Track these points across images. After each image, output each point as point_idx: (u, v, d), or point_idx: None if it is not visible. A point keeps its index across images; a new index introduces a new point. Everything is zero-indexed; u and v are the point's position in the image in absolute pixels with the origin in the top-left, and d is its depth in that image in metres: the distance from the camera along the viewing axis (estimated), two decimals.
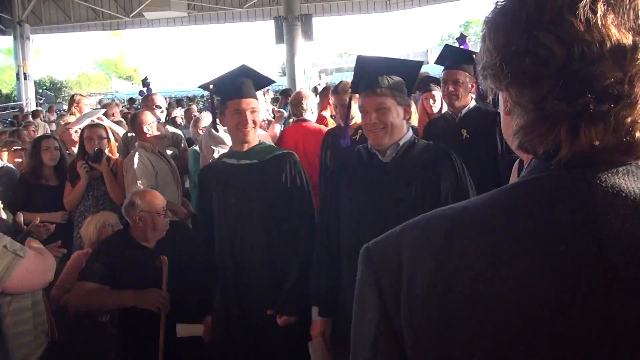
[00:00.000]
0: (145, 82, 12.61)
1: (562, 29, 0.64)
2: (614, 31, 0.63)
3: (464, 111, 3.61)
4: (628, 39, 0.63)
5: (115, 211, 3.72)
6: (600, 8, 0.63)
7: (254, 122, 2.79)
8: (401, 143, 2.33)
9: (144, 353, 2.87)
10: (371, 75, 2.32)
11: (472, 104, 3.67)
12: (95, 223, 3.46)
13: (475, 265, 0.66)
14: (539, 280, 0.63)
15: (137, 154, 3.96)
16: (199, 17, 25.05)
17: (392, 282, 0.71)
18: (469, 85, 3.59)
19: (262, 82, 2.95)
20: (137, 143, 4.16)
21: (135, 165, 3.85)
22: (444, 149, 2.36)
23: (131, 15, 24.23)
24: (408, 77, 2.38)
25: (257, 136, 3.00)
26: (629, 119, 0.63)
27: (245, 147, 2.84)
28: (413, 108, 4.32)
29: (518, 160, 2.62)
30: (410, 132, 2.40)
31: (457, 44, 15.07)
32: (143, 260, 2.94)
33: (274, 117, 6.31)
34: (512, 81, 0.69)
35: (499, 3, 0.71)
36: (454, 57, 3.66)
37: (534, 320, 0.62)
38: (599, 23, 0.63)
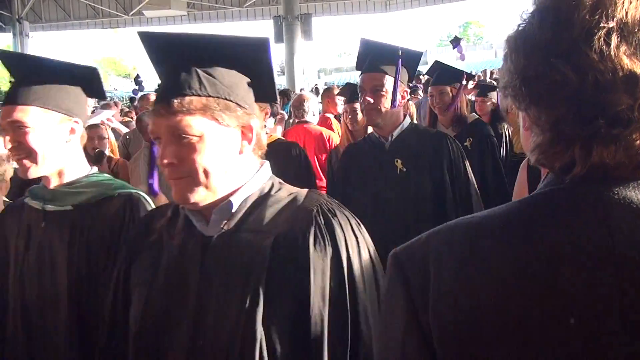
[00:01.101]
0: (137, 80, 12.56)
1: (578, 59, 0.68)
2: (626, 61, 0.67)
3: (395, 133, 2.57)
4: (639, 68, 0.67)
5: None
6: (614, 40, 0.67)
7: (26, 146, 1.64)
8: (236, 208, 1.25)
9: None
10: (171, 75, 1.24)
11: (407, 122, 2.62)
12: None
13: (496, 270, 0.71)
14: (557, 284, 0.67)
15: (142, 154, 3.99)
16: (198, 16, 25.04)
17: (420, 283, 0.76)
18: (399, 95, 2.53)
19: (78, 76, 1.75)
20: (143, 144, 4.18)
21: (140, 167, 3.86)
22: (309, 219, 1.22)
23: (130, 13, 24.23)
24: (250, 66, 1.29)
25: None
26: (638, 142, 0.68)
27: (53, 183, 1.74)
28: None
29: (525, 161, 2.49)
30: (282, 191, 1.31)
31: (451, 47, 15.00)
32: None
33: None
34: (530, 103, 0.74)
35: (520, 25, 0.75)
36: (373, 56, 2.54)
37: (550, 323, 0.67)
38: (612, 54, 0.67)
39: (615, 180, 0.70)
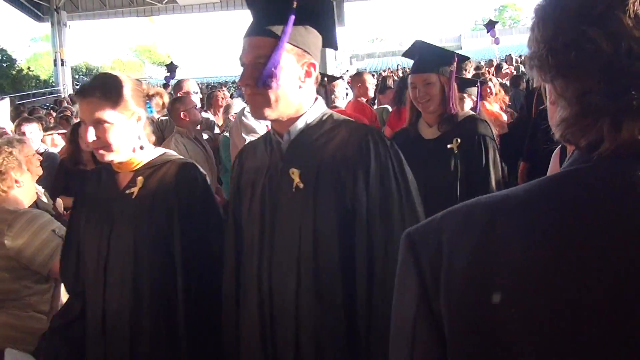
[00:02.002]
0: (169, 67, 12.63)
1: (611, 25, 0.63)
2: None
3: (293, 129, 1.62)
4: None
5: None
6: None
7: None
8: None
9: None
10: None
11: (315, 111, 1.63)
12: None
13: (516, 249, 0.66)
14: (582, 268, 0.63)
15: (173, 139, 4.04)
16: (230, 3, 25.14)
17: (432, 264, 0.72)
18: (301, 72, 1.57)
19: None
20: (174, 129, 4.24)
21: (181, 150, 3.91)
22: None
23: (165, 1, 24.52)
24: None
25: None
26: None
27: None
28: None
29: (558, 148, 2.36)
30: None
31: (485, 31, 14.56)
32: None
33: None
34: (557, 74, 0.69)
35: None
36: (258, 12, 1.60)
37: (572, 309, 0.63)
38: None
39: None
